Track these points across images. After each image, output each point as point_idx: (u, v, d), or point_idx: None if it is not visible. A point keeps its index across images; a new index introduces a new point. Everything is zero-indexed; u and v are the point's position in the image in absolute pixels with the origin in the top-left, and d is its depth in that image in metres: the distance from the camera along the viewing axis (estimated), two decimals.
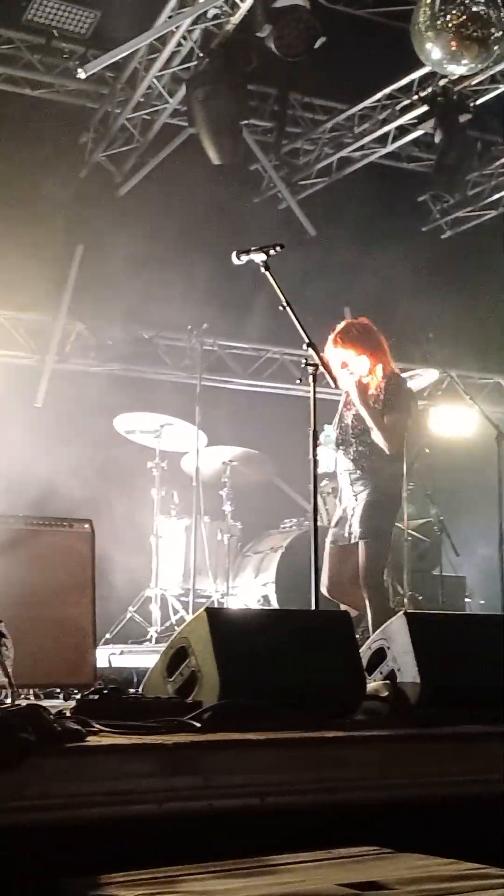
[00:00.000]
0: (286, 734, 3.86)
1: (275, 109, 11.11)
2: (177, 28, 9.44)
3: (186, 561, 9.28)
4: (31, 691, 6.45)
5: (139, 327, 11.44)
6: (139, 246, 9.94)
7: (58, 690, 6.77)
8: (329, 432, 7.08)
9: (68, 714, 3.97)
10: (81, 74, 9.22)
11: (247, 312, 10.73)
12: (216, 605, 8.93)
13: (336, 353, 6.85)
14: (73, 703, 4.49)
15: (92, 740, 3.60)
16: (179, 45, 9.77)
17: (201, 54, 9.76)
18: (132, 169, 11.08)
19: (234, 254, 6.30)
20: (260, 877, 2.65)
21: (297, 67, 9.75)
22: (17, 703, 4.09)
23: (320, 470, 7.10)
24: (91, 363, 11.39)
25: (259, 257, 6.24)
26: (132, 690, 5.27)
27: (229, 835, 3.38)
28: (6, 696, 4.42)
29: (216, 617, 4.46)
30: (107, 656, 8.17)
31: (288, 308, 6.14)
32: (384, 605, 6.65)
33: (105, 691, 4.28)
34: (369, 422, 6.73)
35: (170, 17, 9.23)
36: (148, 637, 8.98)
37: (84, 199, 10.76)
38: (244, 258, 6.28)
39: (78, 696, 4.88)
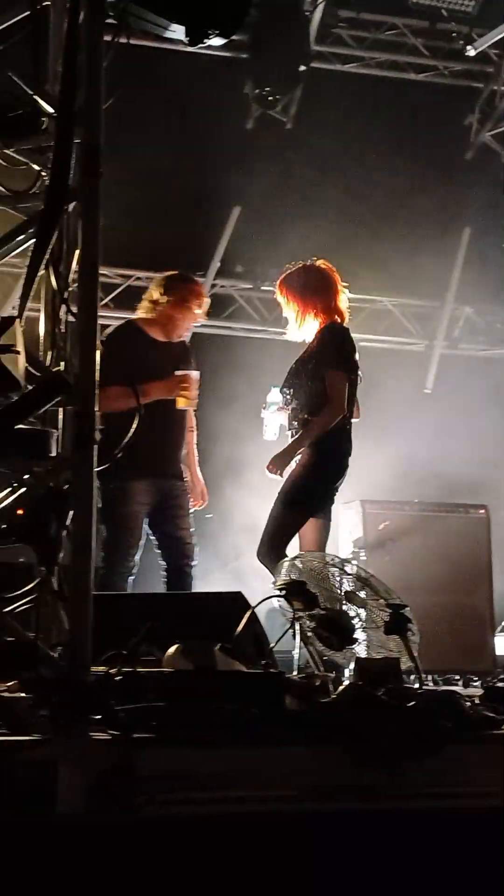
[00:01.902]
0: None
1: None
2: None
3: None
4: (430, 677, 6.43)
5: None
6: None
7: (456, 677, 6.72)
8: (274, 395, 6.26)
9: (477, 701, 3.90)
10: (471, 52, 9.12)
11: None
12: None
13: (280, 301, 6.13)
14: (473, 690, 4.41)
15: None
16: None
17: None
18: None
19: None
20: None
21: None
22: (426, 688, 4.06)
23: (265, 437, 6.24)
24: (480, 347, 11.26)
25: None
26: None
27: None
28: (414, 682, 4.40)
29: None
30: None
31: None
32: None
33: None
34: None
35: None
36: None
37: (470, 181, 10.61)
38: None
39: (478, 683, 4.80)
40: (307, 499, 5.82)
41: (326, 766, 3.14)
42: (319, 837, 3.06)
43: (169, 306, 6.25)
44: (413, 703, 3.21)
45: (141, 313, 6.41)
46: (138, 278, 10.32)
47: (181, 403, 6.13)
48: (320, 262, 6.11)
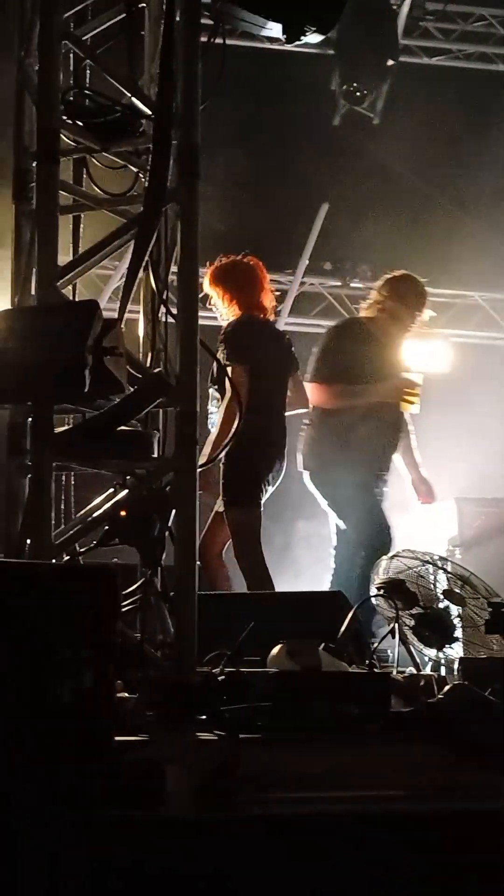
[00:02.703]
0: None
1: None
2: None
3: None
4: None
5: None
6: None
7: None
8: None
9: None
10: None
11: None
12: None
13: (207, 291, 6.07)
14: None
15: None
16: None
17: None
18: None
19: None
20: None
21: None
22: None
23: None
24: None
25: None
26: None
27: None
28: None
29: None
30: None
31: None
32: (264, 582, 5.64)
33: None
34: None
35: None
36: None
37: None
38: None
39: None
40: (239, 491, 5.76)
41: (433, 767, 3.12)
42: (424, 838, 3.04)
43: (394, 307, 6.27)
44: None
45: (366, 312, 6.45)
46: None
47: (405, 407, 6.17)
48: (249, 259, 6.12)
